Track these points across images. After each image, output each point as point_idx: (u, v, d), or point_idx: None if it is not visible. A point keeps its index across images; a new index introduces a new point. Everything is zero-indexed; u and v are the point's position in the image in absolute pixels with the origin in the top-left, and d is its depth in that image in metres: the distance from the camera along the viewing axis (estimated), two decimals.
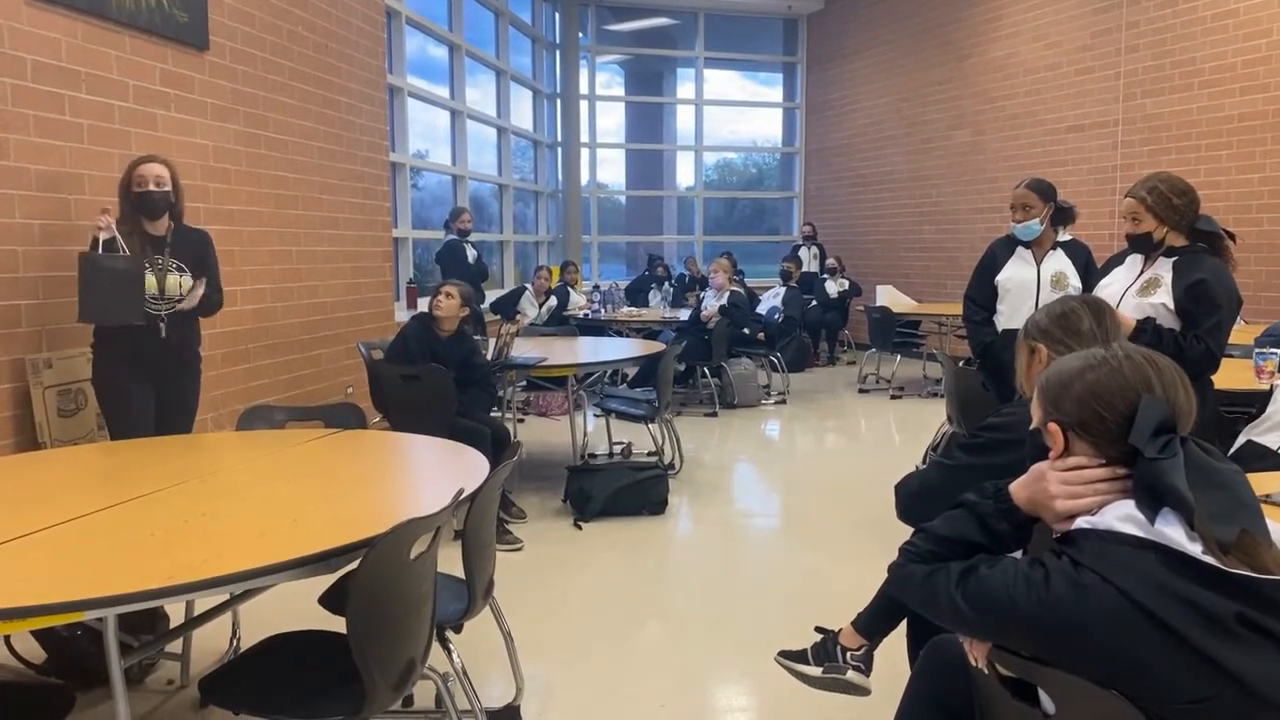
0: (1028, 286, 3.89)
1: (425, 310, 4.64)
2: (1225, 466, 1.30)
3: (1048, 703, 1.36)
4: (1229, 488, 1.28)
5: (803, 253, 11.34)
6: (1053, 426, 1.40)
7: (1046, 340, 1.98)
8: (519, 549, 4.21)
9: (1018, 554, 1.49)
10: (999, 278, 3.97)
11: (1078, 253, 3.94)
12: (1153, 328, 3.01)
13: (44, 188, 3.73)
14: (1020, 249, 3.95)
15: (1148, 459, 1.28)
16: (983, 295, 4.02)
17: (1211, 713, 1.20)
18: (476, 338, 4.79)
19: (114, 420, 3.48)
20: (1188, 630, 1.19)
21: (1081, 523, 1.33)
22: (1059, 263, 3.90)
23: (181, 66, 4.52)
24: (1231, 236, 3.09)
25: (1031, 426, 1.48)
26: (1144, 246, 3.16)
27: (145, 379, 3.51)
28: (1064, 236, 4.01)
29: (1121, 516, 1.28)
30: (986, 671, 1.43)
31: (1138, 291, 3.15)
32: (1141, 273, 3.18)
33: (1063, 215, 3.96)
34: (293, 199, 5.47)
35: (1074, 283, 3.82)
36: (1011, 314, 3.94)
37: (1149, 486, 1.27)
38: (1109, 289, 3.25)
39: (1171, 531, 1.24)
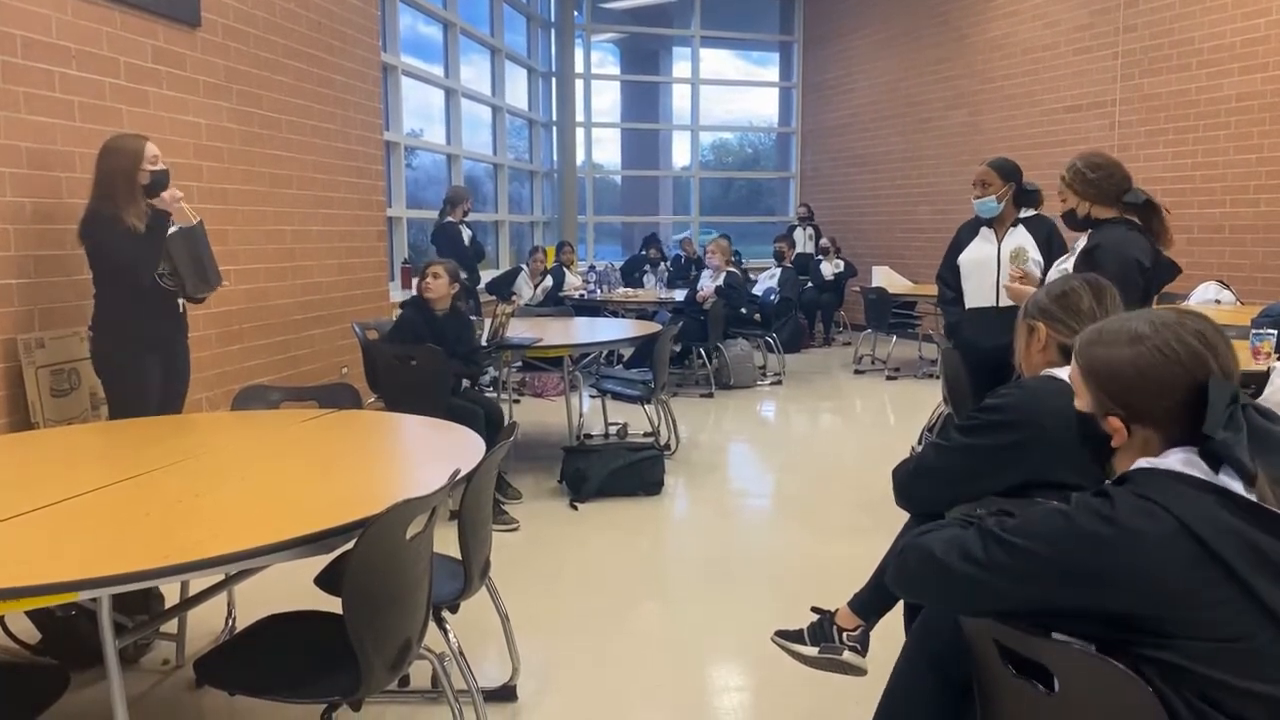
0: (988, 263, 4.00)
1: (416, 294, 4.63)
2: None
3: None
4: None
5: (798, 234, 11.31)
6: (1114, 422, 1.40)
7: (1046, 319, 1.98)
8: (515, 529, 4.21)
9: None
10: (960, 258, 4.10)
11: (1039, 227, 4.00)
12: None
13: (35, 165, 3.69)
14: (984, 229, 4.06)
15: (1218, 440, 1.30)
16: (950, 275, 4.17)
17: (1240, 655, 1.23)
18: (473, 318, 4.77)
19: (126, 402, 3.41)
20: (1240, 565, 1.23)
21: (1142, 463, 1.36)
22: (1019, 238, 3.98)
23: (173, 43, 4.47)
24: (1163, 207, 3.16)
25: (1083, 411, 1.46)
26: (1072, 222, 3.30)
27: (158, 355, 3.52)
28: (1028, 214, 4.07)
29: (1183, 460, 1.32)
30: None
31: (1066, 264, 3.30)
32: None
33: (1027, 197, 4.04)
34: (286, 178, 5.43)
35: (1034, 255, 3.91)
36: (974, 291, 4.07)
37: (1214, 456, 1.31)
38: (1060, 265, 3.38)
39: (1232, 481, 1.29)
